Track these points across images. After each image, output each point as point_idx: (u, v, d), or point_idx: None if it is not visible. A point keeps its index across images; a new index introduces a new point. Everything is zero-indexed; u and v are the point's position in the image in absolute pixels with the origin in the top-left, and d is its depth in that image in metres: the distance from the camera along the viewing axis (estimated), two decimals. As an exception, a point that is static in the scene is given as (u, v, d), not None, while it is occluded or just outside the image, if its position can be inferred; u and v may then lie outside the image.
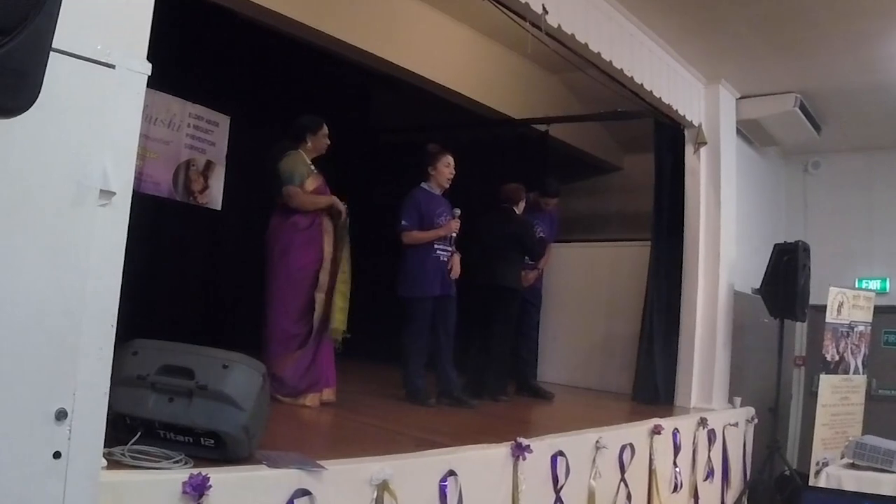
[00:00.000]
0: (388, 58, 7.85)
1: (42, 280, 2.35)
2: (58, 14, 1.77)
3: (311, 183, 5.99)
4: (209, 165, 8.44)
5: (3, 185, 2.25)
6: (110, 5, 2.52)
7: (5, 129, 1.90)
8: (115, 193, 2.51)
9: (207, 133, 8.41)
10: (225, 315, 8.06)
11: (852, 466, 5.53)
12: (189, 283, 8.05)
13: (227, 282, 8.30)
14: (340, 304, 5.92)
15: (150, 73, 2.63)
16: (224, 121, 8.56)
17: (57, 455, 2.39)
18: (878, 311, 8.48)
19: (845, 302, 8.03)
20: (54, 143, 2.31)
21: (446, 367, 6.83)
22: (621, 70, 6.88)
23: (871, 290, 8.88)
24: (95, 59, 2.41)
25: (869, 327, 8.25)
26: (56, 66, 1.82)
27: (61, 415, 2.39)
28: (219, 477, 3.03)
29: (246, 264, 7.32)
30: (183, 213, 8.06)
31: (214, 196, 8.46)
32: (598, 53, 6.51)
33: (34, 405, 2.35)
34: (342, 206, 5.98)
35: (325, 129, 6.19)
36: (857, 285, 9.51)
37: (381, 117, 10.96)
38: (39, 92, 1.74)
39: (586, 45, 6.33)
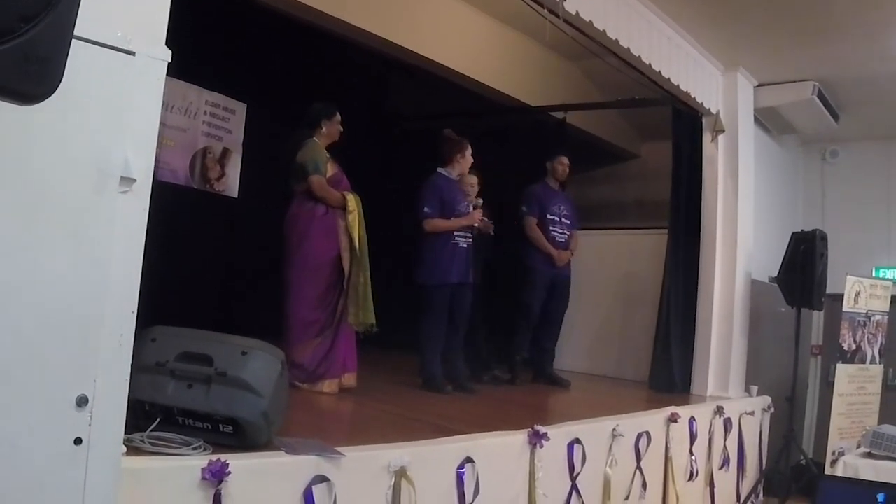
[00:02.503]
0: (405, 45, 7.81)
1: (63, 266, 2.36)
2: (80, 0, 1.77)
3: (329, 170, 6.01)
4: (226, 153, 8.45)
5: (25, 173, 2.26)
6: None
7: (27, 116, 1.90)
8: (135, 180, 2.52)
9: (224, 121, 8.42)
10: (241, 302, 8.06)
11: (869, 456, 5.52)
12: (205, 270, 8.06)
13: (244, 269, 8.30)
14: (364, 295, 5.94)
15: (170, 61, 2.63)
16: (241, 108, 8.57)
17: (78, 441, 2.40)
18: (896, 300, 8.45)
19: (862, 291, 8.01)
20: (75, 131, 2.31)
21: (454, 354, 6.86)
22: (639, 57, 6.86)
23: (888, 280, 8.86)
24: (116, 46, 2.41)
25: (886, 316, 8.24)
26: (76, 54, 1.81)
27: (82, 401, 2.39)
28: (238, 463, 3.05)
29: (262, 251, 7.31)
30: (200, 200, 8.07)
31: (231, 183, 8.48)
32: (617, 41, 6.49)
33: (55, 391, 2.36)
34: (351, 205, 5.98)
35: (339, 116, 6.21)
36: (874, 274, 9.47)
37: (398, 105, 10.94)
38: (62, 79, 1.74)
39: (604, 32, 6.31)
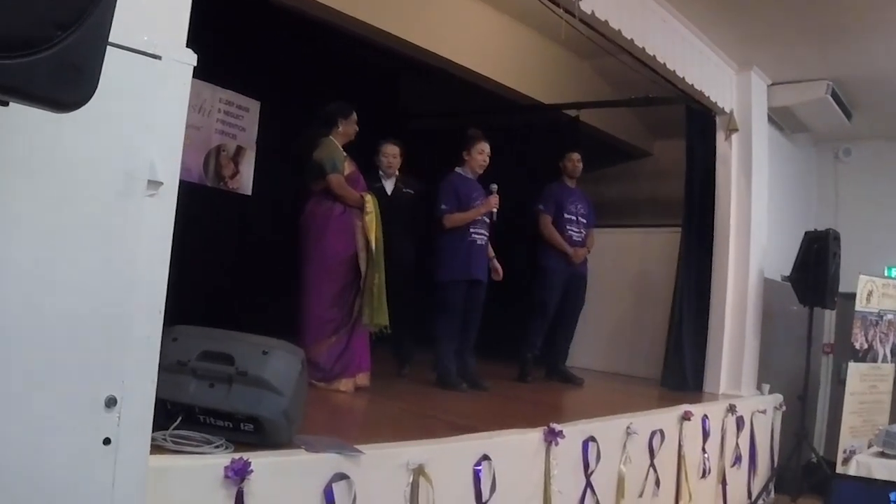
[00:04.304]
0: (418, 43, 7.83)
1: (92, 269, 2.39)
2: (114, 7, 1.80)
3: (346, 168, 6.05)
4: (239, 151, 8.47)
5: (54, 178, 2.29)
6: (153, -5, 2.55)
7: (57, 121, 1.93)
8: (162, 183, 2.55)
9: (238, 118, 8.44)
10: (255, 300, 8.09)
11: (882, 455, 5.53)
12: (220, 268, 8.09)
13: (258, 266, 8.32)
14: (378, 296, 5.97)
15: (195, 64, 2.67)
16: (254, 106, 8.59)
17: (107, 441, 2.43)
18: (908, 299, 8.44)
19: (875, 290, 8.02)
20: (103, 135, 2.34)
21: (466, 351, 6.91)
22: (654, 56, 6.88)
23: (901, 279, 8.85)
24: (143, 50, 2.43)
25: (898, 316, 8.24)
26: (105, 59, 1.84)
27: (111, 402, 2.42)
28: (259, 461, 3.09)
29: (276, 249, 7.35)
30: (214, 198, 8.10)
31: (245, 181, 8.50)
32: (632, 40, 6.51)
33: (85, 393, 2.39)
34: (369, 206, 6.02)
35: (355, 116, 6.24)
36: (886, 273, 9.45)
37: (411, 103, 10.96)
38: (97, 87, 1.77)
39: (620, 31, 6.34)
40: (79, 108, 1.76)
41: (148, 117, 2.52)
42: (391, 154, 7.11)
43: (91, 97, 1.76)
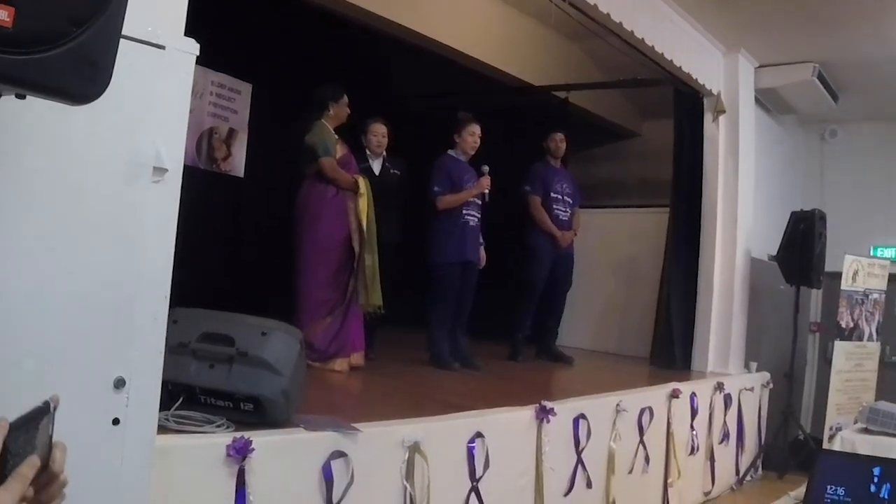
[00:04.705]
0: (408, 25, 7.88)
1: (101, 255, 2.46)
2: (126, 2, 1.87)
3: (339, 151, 6.12)
4: (232, 133, 8.50)
5: (63, 166, 2.36)
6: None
7: (65, 112, 1.98)
8: (167, 170, 2.61)
9: (230, 101, 8.46)
10: (249, 280, 8.15)
11: (865, 431, 5.62)
12: (213, 250, 8.13)
13: (251, 247, 8.38)
14: (371, 277, 6.05)
15: (197, 54, 2.73)
16: (246, 88, 8.60)
17: (116, 421, 2.50)
18: (893, 278, 8.58)
19: (860, 270, 8.11)
20: (110, 125, 2.40)
21: (457, 331, 6.99)
22: (642, 39, 6.94)
23: (886, 259, 8.95)
24: (147, 40, 2.49)
25: (883, 295, 8.35)
26: (115, 50, 1.91)
27: (120, 383, 2.49)
28: (259, 440, 3.16)
29: (269, 230, 7.42)
30: (207, 180, 8.13)
31: (237, 163, 8.52)
32: (620, 23, 6.57)
33: (95, 374, 2.46)
34: (362, 188, 6.09)
35: (346, 99, 6.30)
36: (872, 253, 9.56)
37: (402, 85, 10.99)
38: (111, 79, 1.84)
39: (608, 15, 6.40)
40: (94, 100, 1.82)
41: (153, 106, 2.58)
42: (381, 133, 6.92)
43: (105, 89, 1.82)
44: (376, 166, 6.92)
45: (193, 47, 2.73)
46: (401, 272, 7.09)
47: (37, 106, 1.85)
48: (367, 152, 6.90)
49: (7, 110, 1.83)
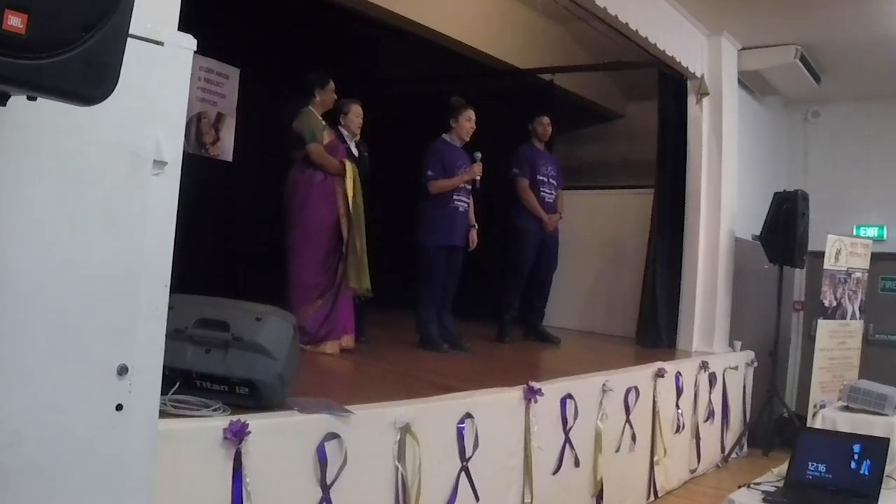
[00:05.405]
0: (394, 10, 7.92)
1: (104, 245, 2.52)
2: (132, 5, 1.94)
3: (326, 137, 6.18)
4: (220, 118, 8.52)
5: (67, 160, 2.42)
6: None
7: (67, 106, 2.05)
8: (167, 163, 2.68)
9: (218, 86, 8.48)
10: (240, 264, 8.20)
11: (846, 409, 5.72)
12: (204, 234, 8.17)
13: (241, 231, 8.42)
14: (360, 260, 6.13)
15: (195, 49, 2.80)
16: (234, 73, 8.62)
17: (119, 407, 2.56)
18: (876, 258, 8.69)
19: (843, 249, 8.20)
20: (112, 119, 2.45)
21: (445, 314, 7.06)
22: (626, 24, 7.01)
23: (868, 238, 9.05)
24: (147, 37, 2.55)
25: (866, 274, 8.44)
26: (117, 49, 1.97)
27: (123, 370, 2.56)
28: (255, 423, 3.24)
29: (258, 214, 7.46)
30: (196, 165, 8.16)
31: (226, 148, 8.54)
32: (605, 8, 6.65)
33: (99, 362, 2.52)
34: (348, 171, 6.15)
35: (332, 85, 6.35)
36: (855, 232, 9.64)
37: (389, 69, 11.02)
38: (118, 80, 1.91)
39: (593, 0, 6.47)
40: (102, 101, 1.90)
41: (153, 101, 2.64)
42: (360, 114, 6.73)
43: (113, 90, 1.90)
44: (353, 148, 6.76)
45: (191, 42, 2.78)
46: (378, 251, 7.12)
47: (41, 102, 1.90)
48: (346, 133, 6.67)
49: (11, 106, 1.89)
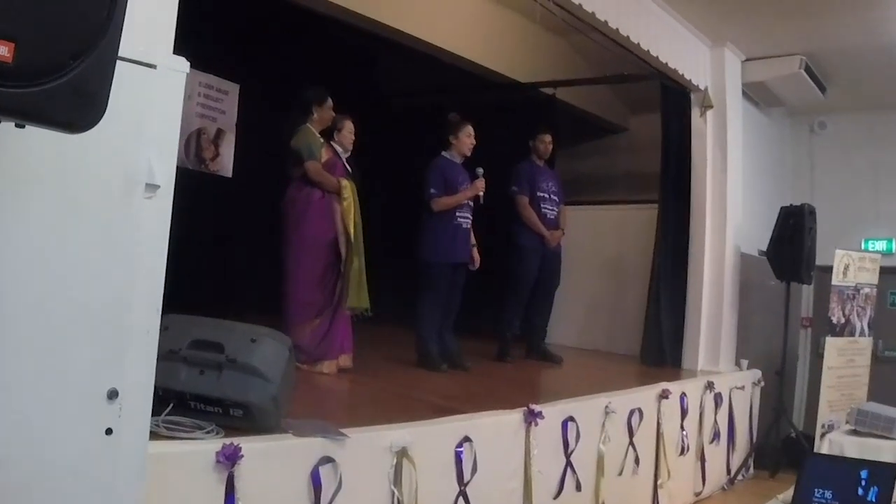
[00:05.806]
0: (393, 24, 7.90)
1: (95, 269, 2.50)
2: (121, 33, 1.90)
3: (324, 155, 6.15)
4: (220, 133, 8.48)
5: (60, 183, 2.41)
6: (145, 5, 2.61)
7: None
8: (159, 186, 2.66)
9: (217, 101, 8.44)
10: (237, 280, 8.16)
11: (854, 433, 5.65)
12: (202, 250, 8.13)
13: (240, 248, 8.39)
14: (358, 279, 6.08)
15: (188, 71, 2.75)
16: (233, 89, 8.59)
17: (109, 431, 2.55)
18: (885, 272, 8.60)
19: (851, 264, 8.12)
20: (104, 143, 2.42)
21: (446, 332, 7.00)
22: (627, 37, 6.98)
23: (877, 252, 8.97)
24: (139, 60, 2.53)
25: (875, 289, 8.36)
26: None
27: (113, 394, 2.54)
28: (248, 446, 3.20)
29: (257, 230, 7.42)
30: (196, 181, 8.12)
31: (225, 164, 8.50)
32: (606, 22, 6.61)
33: (89, 385, 2.50)
34: (346, 192, 6.11)
35: (330, 102, 6.32)
36: (863, 246, 9.55)
37: (388, 84, 10.98)
38: (106, 107, 1.88)
39: (593, 13, 6.45)
40: (90, 128, 1.88)
41: (145, 124, 2.63)
42: (353, 130, 6.55)
43: (101, 118, 1.88)
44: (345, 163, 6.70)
45: (183, 65, 2.77)
46: (373, 267, 7.06)
47: (33, 127, 1.87)
48: (339, 149, 6.50)
49: (4, 130, 1.87)
